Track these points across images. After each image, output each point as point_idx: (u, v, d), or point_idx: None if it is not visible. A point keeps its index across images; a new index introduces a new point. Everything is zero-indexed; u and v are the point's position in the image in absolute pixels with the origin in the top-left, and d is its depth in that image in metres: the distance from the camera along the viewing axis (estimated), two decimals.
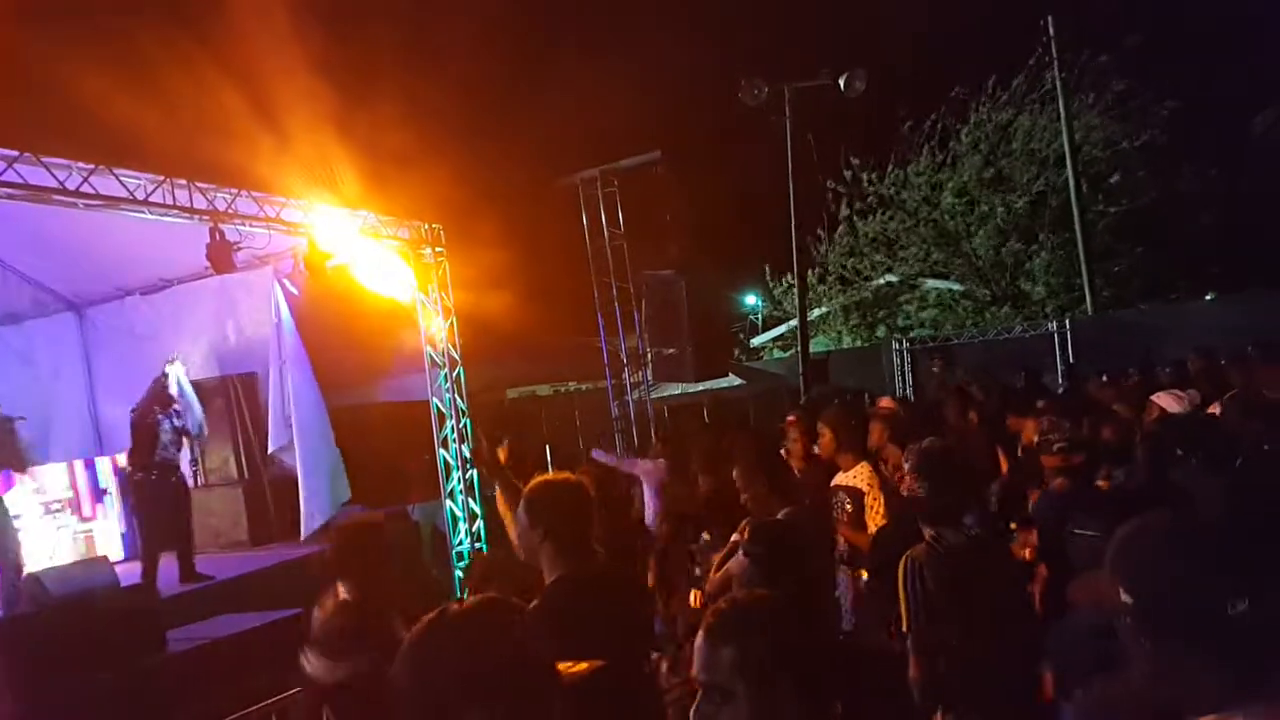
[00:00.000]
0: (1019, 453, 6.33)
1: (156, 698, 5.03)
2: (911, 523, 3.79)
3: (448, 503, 9.20)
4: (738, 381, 15.68)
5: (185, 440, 8.40)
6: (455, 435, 9.15)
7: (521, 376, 15.32)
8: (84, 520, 9.60)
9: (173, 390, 8.32)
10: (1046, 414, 4.72)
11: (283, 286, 9.27)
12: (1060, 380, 13.28)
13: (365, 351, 9.75)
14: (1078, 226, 17.50)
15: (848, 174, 19.87)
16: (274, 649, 5.75)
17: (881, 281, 20.45)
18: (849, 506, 5.06)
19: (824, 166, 18.05)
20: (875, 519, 4.94)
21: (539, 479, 2.97)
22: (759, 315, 22.77)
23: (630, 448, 11.25)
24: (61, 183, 5.96)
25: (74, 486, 9.63)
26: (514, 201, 8.67)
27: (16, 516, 8.09)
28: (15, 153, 5.74)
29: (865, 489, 5.06)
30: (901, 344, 16.72)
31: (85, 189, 6.11)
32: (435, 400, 9.18)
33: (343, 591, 3.49)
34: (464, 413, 9.21)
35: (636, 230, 10.47)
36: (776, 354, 20.76)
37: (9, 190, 5.78)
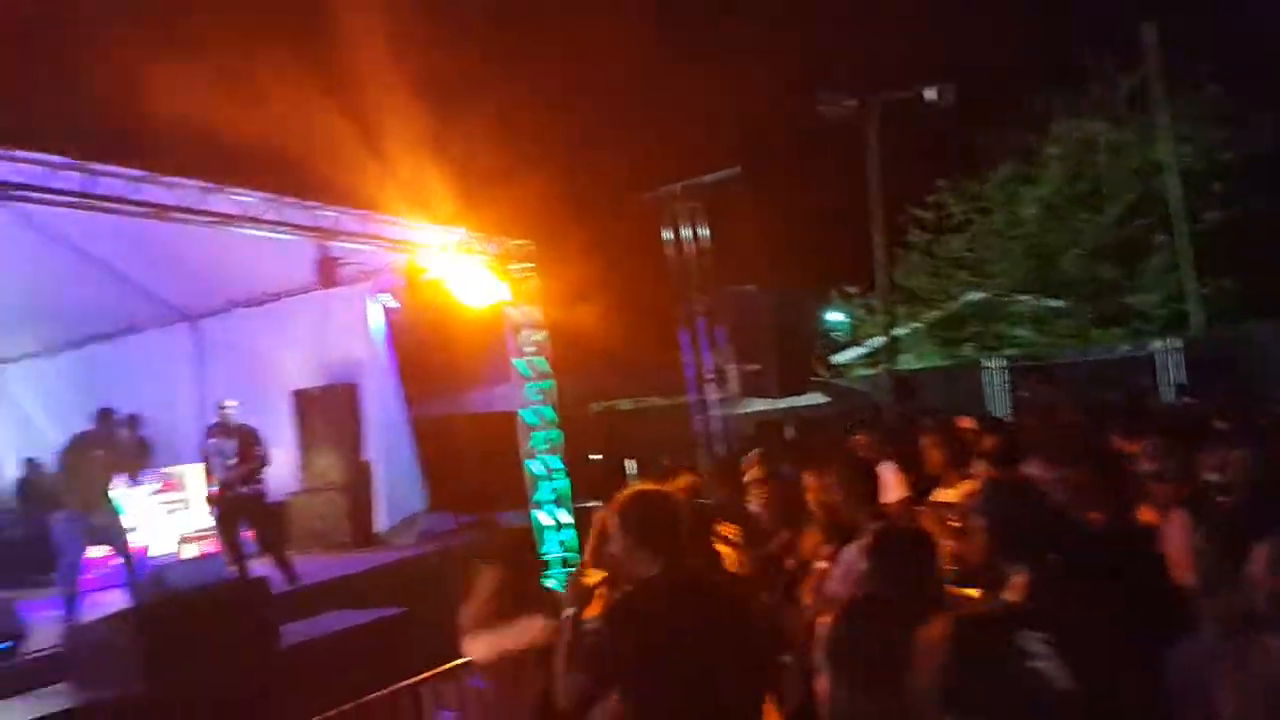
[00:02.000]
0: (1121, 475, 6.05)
1: (271, 686, 5.33)
2: None
3: (536, 513, 9.44)
4: (822, 399, 15.65)
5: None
6: (546, 445, 9.40)
7: (605, 390, 15.58)
8: (196, 521, 10.14)
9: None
10: (1151, 437, 4.36)
11: (379, 301, 9.70)
12: (1170, 400, 12.79)
13: (457, 362, 10.11)
14: (1182, 240, 16.93)
15: (930, 198, 19.59)
16: (378, 645, 6.06)
17: (968, 299, 20.09)
18: (954, 523, 4.99)
19: (907, 182, 17.88)
20: None
21: (629, 489, 3.09)
22: (843, 332, 22.59)
23: (716, 460, 11.34)
24: (180, 201, 6.38)
25: (190, 488, 10.18)
26: (601, 216, 8.91)
27: (137, 515, 8.65)
28: (143, 173, 6.20)
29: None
30: (997, 363, 16.37)
31: (203, 207, 6.54)
32: (524, 411, 9.45)
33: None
34: (554, 424, 9.45)
35: (718, 245, 10.61)
36: (862, 371, 20.57)
37: (137, 208, 6.23)
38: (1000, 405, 15.40)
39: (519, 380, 9.42)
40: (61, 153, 5.64)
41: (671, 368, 11.97)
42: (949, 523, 4.99)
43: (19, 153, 5.42)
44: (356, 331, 9.95)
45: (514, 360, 9.38)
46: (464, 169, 8.61)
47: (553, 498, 9.42)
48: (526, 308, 9.40)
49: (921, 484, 5.21)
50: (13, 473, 11.81)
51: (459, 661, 4.95)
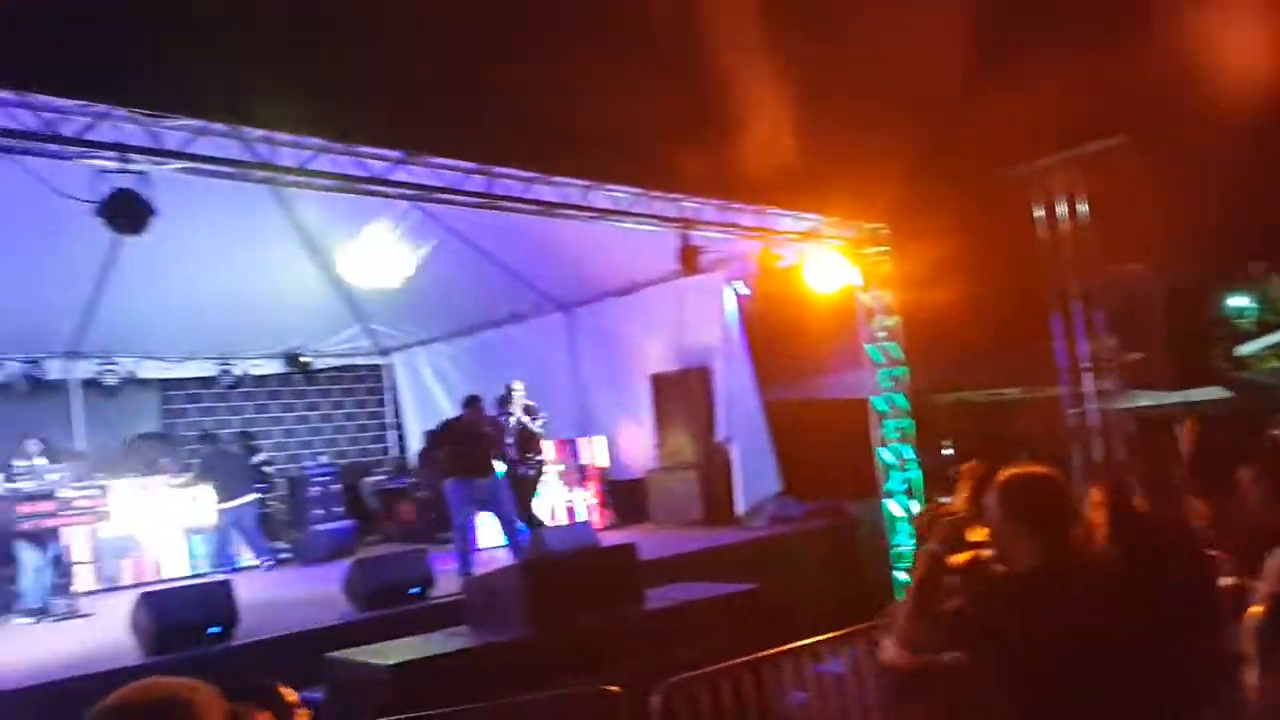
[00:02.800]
0: None
1: (635, 643, 5.73)
2: None
3: (887, 502, 9.27)
4: (1222, 394, 13.76)
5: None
6: (897, 434, 9.19)
7: (958, 380, 14.86)
8: (569, 489, 11.16)
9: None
10: None
11: (734, 288, 10.01)
12: None
13: (809, 348, 10.16)
14: None
15: None
16: (731, 617, 6.29)
17: None
18: None
19: None
20: None
21: (1011, 470, 2.94)
22: (1250, 318, 19.71)
23: (1087, 462, 10.43)
24: (566, 198, 7.02)
25: (564, 460, 11.22)
26: (963, 195, 8.47)
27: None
28: (533, 174, 6.89)
29: None
30: None
31: (583, 203, 7.14)
32: (876, 399, 9.30)
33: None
34: (906, 412, 9.22)
35: (1098, 222, 9.68)
36: (1275, 363, 17.76)
37: (528, 206, 6.94)
38: None
39: (871, 366, 9.29)
40: (469, 158, 6.44)
41: (1037, 357, 11.13)
42: None
43: (436, 159, 6.29)
44: (711, 318, 10.35)
45: (866, 346, 9.26)
46: (819, 155, 8.61)
47: (904, 488, 9.20)
48: (879, 292, 9.24)
49: None
50: (418, 444, 13.69)
51: (810, 640, 5.00)
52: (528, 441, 9.55)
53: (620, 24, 6.83)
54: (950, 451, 11.72)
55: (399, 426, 14.84)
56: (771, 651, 4.97)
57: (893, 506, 9.22)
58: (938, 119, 7.65)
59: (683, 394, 10.79)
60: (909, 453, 9.19)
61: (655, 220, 7.47)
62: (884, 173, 9.36)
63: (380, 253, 10.91)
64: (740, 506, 9.77)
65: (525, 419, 9.59)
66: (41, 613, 8.25)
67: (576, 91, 6.38)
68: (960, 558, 2.91)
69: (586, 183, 7.09)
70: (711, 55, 7.67)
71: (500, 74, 5.92)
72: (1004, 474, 2.90)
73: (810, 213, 8.59)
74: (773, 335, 10.12)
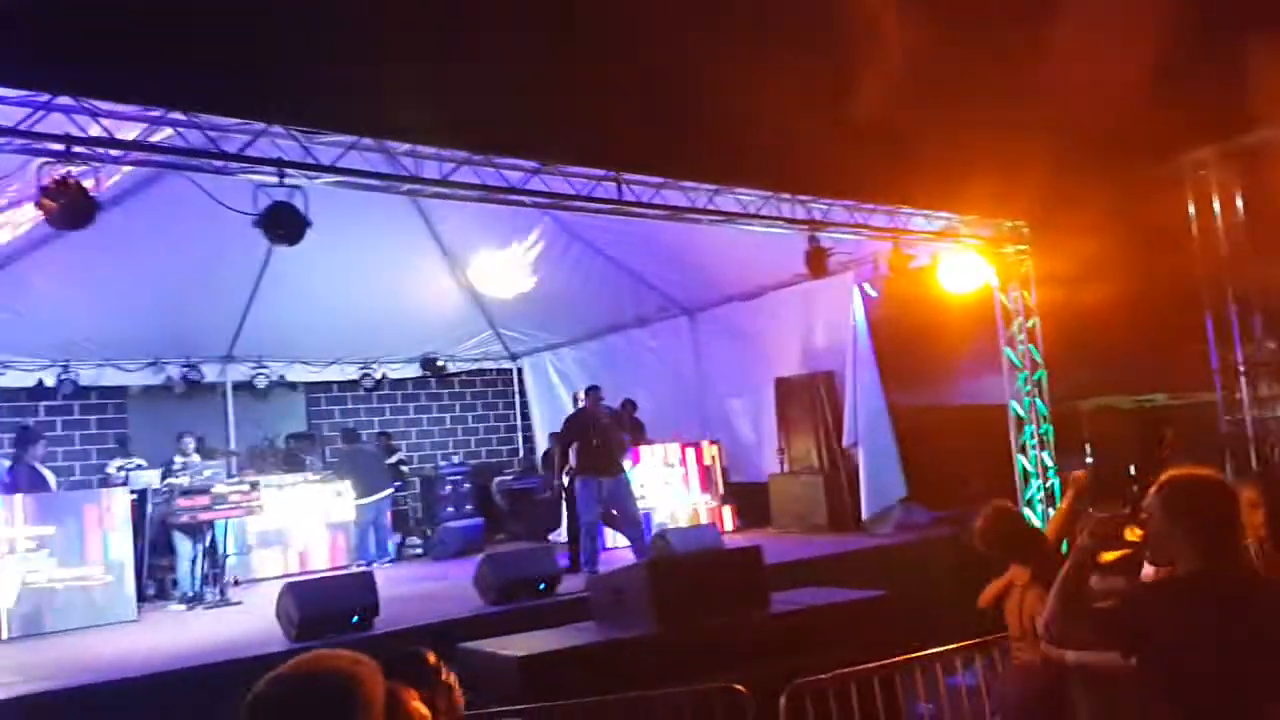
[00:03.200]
0: None
1: (761, 646, 5.69)
2: None
3: (1025, 511, 8.96)
4: None
5: None
6: (1035, 441, 8.87)
7: (1102, 384, 14.19)
8: (691, 493, 11.20)
9: None
10: None
11: (861, 291, 9.86)
12: None
13: (940, 352, 9.90)
14: None
15: None
16: (859, 624, 6.19)
17: None
18: None
19: None
20: None
21: (1175, 472, 2.83)
22: None
23: (1241, 470, 9.81)
24: (693, 202, 7.07)
25: (684, 463, 11.27)
26: (1106, 191, 8.09)
27: (641, 485, 9.79)
28: (661, 179, 6.97)
29: None
30: None
31: (711, 207, 7.18)
32: (1013, 404, 9.00)
33: None
34: (1045, 418, 8.88)
35: (1255, 219, 9.08)
36: None
37: (657, 211, 7.02)
38: None
39: (1009, 370, 8.99)
40: (600, 166, 6.56)
41: (1188, 361, 10.54)
42: None
43: (569, 168, 6.45)
44: (838, 321, 10.22)
45: (1004, 349, 8.97)
46: (952, 151, 8.39)
47: (1042, 496, 8.86)
48: (1018, 293, 8.93)
49: None
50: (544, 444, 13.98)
51: (943, 649, 4.89)
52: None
53: (748, 24, 6.82)
54: (1091, 460, 11.23)
55: (526, 429, 15.23)
56: (904, 657, 4.88)
57: (1030, 515, 8.89)
58: (1083, 109, 7.34)
59: (808, 398, 10.70)
60: (1048, 460, 8.84)
61: (783, 222, 7.45)
62: (1024, 167, 9.03)
63: (508, 262, 11.36)
64: (866, 513, 9.61)
65: None
66: (195, 600, 8.80)
67: (706, 94, 6.40)
68: (1110, 555, 2.84)
69: (714, 186, 7.12)
70: (841, 50, 7.56)
71: (630, 79, 5.99)
72: (1168, 476, 2.80)
73: (944, 211, 8.38)
74: (902, 339, 9.91)
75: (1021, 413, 8.97)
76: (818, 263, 7.56)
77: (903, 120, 7.64)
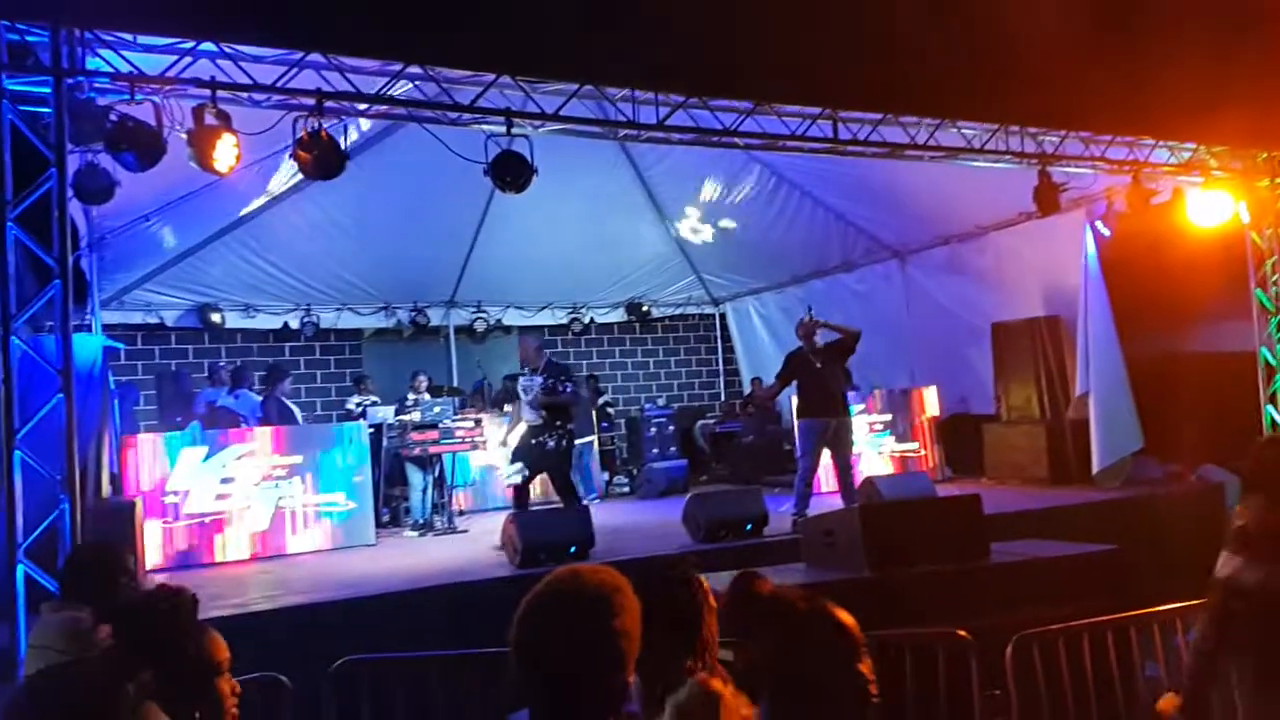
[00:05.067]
0: None
1: (980, 597, 5.55)
2: None
3: None
4: None
5: None
6: None
7: None
8: (899, 440, 10.97)
9: None
10: None
11: (1094, 229, 9.21)
12: None
13: (1182, 295, 9.12)
14: None
15: None
16: (1086, 579, 5.90)
17: None
18: None
19: None
20: None
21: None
22: None
23: None
24: (913, 138, 6.81)
25: (892, 411, 11.03)
26: None
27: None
28: (879, 115, 6.75)
29: None
30: None
31: (931, 142, 6.89)
32: (1264, 351, 8.21)
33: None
34: None
35: None
36: None
37: (875, 149, 6.82)
38: None
39: (1259, 314, 8.20)
40: (815, 104, 6.42)
41: None
42: None
43: (784, 107, 6.35)
44: (1065, 262, 9.60)
45: (1255, 291, 8.18)
46: (1200, 79, 7.65)
47: None
48: (1272, 231, 8.09)
49: None
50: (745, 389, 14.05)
51: (1183, 605, 4.60)
52: (555, 409, 8.27)
53: None
54: None
55: (729, 373, 15.35)
56: (1142, 611, 4.63)
57: None
58: None
59: (1029, 344, 10.15)
60: None
61: (1012, 156, 7.03)
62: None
63: (714, 208, 11.37)
64: (1097, 465, 9.06)
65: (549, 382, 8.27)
66: (426, 527, 9.50)
67: (927, 23, 6.10)
68: None
69: (936, 120, 6.82)
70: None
71: (846, 10, 5.79)
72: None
73: (1190, 142, 7.67)
74: (1137, 281, 9.19)
75: (1273, 360, 8.17)
76: (1048, 199, 7.10)
77: (1145, 46, 7.03)
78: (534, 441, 8.15)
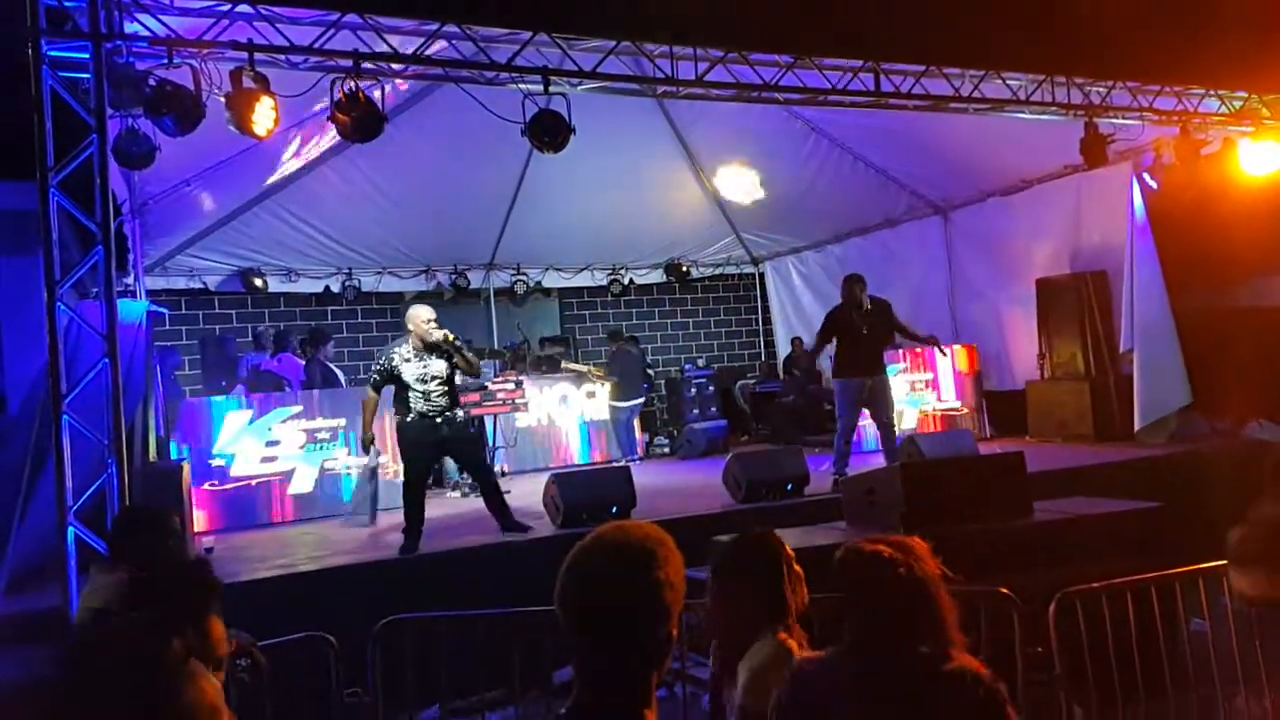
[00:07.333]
0: None
1: (1023, 555, 5.52)
2: None
3: None
4: None
5: None
6: None
7: None
8: (940, 400, 10.88)
9: None
10: None
11: (1141, 182, 8.98)
12: None
13: (1233, 248, 8.89)
14: None
15: None
16: (1130, 537, 5.84)
17: None
18: None
19: None
20: None
21: None
22: None
23: None
24: (957, 90, 6.65)
25: (933, 369, 10.92)
26: None
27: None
28: (921, 67, 6.59)
29: None
30: None
31: (975, 94, 6.73)
32: None
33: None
34: None
35: None
36: None
37: (918, 101, 6.67)
38: None
39: None
40: (857, 56, 6.28)
41: None
42: None
43: (825, 60, 6.22)
44: (1111, 216, 9.40)
45: None
46: (1252, 21, 7.39)
47: None
48: None
49: None
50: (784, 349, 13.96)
51: (1217, 564, 4.53)
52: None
53: None
54: None
55: (768, 333, 15.26)
56: (1186, 568, 4.58)
57: None
58: None
59: (1074, 299, 9.96)
60: None
61: (1057, 108, 6.85)
62: None
63: (753, 165, 11.22)
64: (1139, 422, 8.93)
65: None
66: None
67: None
68: None
69: (980, 72, 6.65)
70: None
71: None
72: None
73: (1243, 90, 7.42)
74: (1185, 234, 8.97)
75: None
76: (1095, 151, 6.92)
77: None
78: None
